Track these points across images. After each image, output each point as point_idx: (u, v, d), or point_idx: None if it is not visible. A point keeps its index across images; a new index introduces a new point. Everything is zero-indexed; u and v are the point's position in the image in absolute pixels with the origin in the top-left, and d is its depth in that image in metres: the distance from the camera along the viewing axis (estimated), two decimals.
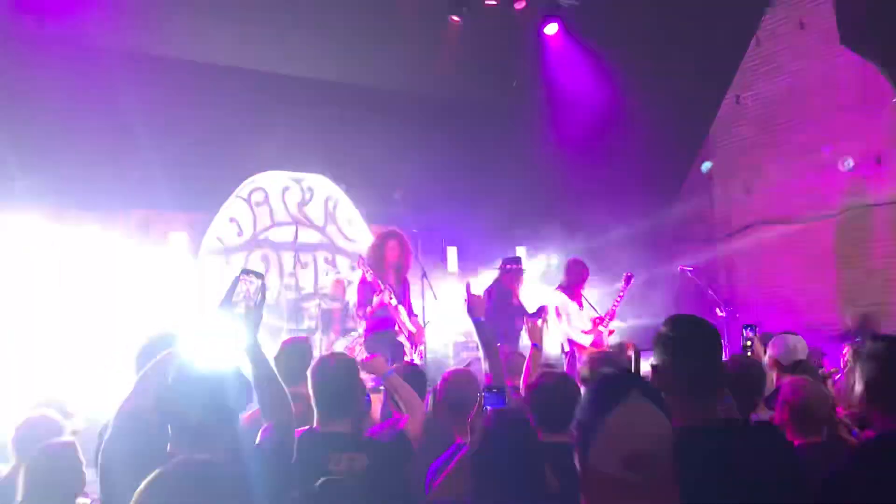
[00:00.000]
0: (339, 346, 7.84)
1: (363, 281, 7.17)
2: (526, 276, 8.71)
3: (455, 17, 9.22)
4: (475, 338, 3.89)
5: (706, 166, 10.56)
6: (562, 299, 8.09)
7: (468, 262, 11.38)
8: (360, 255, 7.40)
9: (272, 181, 10.48)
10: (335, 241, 10.85)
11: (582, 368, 4.31)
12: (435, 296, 8.24)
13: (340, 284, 9.10)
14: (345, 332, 8.36)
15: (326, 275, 10.17)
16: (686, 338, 2.30)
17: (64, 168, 8.52)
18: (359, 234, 10.98)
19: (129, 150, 8.83)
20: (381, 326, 7.08)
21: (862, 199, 10.16)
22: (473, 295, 3.80)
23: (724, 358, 2.36)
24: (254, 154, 9.80)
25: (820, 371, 5.38)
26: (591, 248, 10.49)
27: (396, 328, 7.10)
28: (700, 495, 2.01)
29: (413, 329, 7.18)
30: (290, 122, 9.52)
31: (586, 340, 7.94)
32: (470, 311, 3.82)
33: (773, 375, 4.37)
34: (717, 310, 9.35)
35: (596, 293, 8.78)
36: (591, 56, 10.01)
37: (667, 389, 2.28)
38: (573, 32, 10.07)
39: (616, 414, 1.63)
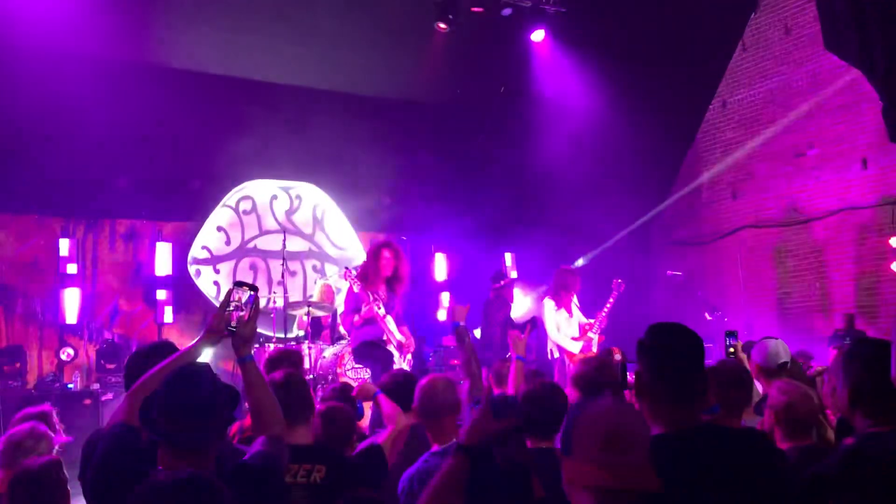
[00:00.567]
0: (329, 353, 7.81)
1: (350, 291, 7.16)
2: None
3: (442, 25, 9.22)
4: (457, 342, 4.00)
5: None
6: (551, 307, 8.09)
7: (456, 268, 11.38)
8: (347, 267, 7.39)
9: (260, 189, 10.46)
10: (324, 248, 10.83)
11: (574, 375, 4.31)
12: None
13: (329, 291, 9.08)
14: (335, 339, 8.33)
15: (315, 283, 10.15)
16: (666, 346, 2.31)
17: (49, 175, 8.49)
18: (347, 241, 10.96)
19: (116, 159, 8.80)
20: (368, 336, 7.06)
21: (848, 202, 10.21)
22: (456, 303, 3.92)
23: (706, 365, 2.36)
24: (241, 162, 9.79)
25: (808, 372, 5.40)
26: (579, 253, 10.51)
27: (385, 337, 7.08)
28: (681, 500, 2.02)
29: (402, 339, 7.16)
30: (278, 130, 9.52)
31: (575, 347, 7.94)
32: (450, 315, 3.98)
33: (760, 382, 4.38)
34: (706, 314, 9.38)
35: (585, 299, 8.79)
36: (578, 62, 10.03)
37: (649, 397, 2.28)
38: (560, 39, 10.09)
39: (592, 406, 1.79)
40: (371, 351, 7.05)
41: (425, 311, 10.78)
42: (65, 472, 3.31)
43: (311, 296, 9.52)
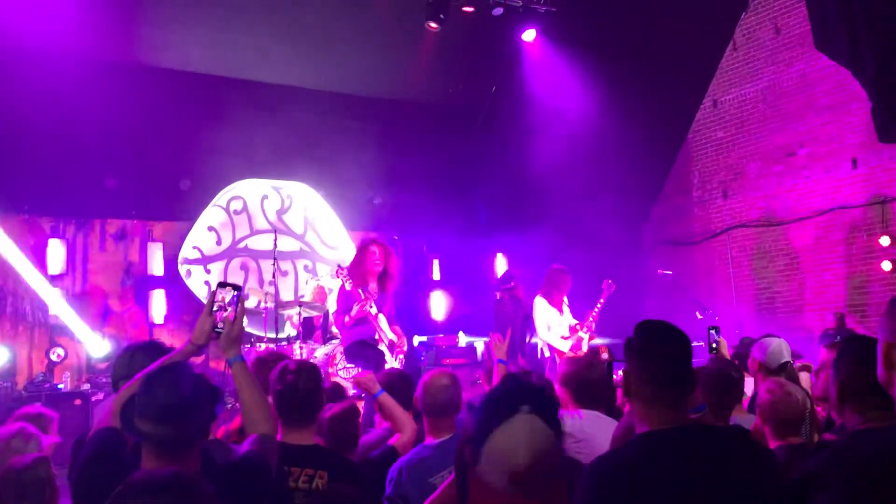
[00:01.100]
0: (320, 353, 7.80)
1: (342, 290, 7.15)
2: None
3: (433, 24, 9.22)
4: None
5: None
6: (542, 306, 8.10)
7: (448, 268, 11.39)
8: (339, 265, 7.37)
9: (251, 189, 10.44)
10: (315, 248, 10.82)
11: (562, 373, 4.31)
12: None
13: (322, 292, 9.07)
14: (326, 339, 8.32)
15: (307, 283, 10.14)
16: (652, 344, 2.32)
17: (39, 175, 8.46)
18: (339, 241, 10.95)
19: (106, 159, 8.78)
20: (360, 335, 7.05)
21: (838, 202, 10.25)
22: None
23: (692, 363, 2.36)
24: (232, 162, 9.77)
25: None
26: (571, 252, 10.51)
27: (377, 337, 7.07)
28: (667, 497, 2.02)
29: (394, 337, 7.16)
30: (269, 129, 9.50)
31: (565, 346, 7.96)
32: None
33: (757, 380, 4.39)
34: (696, 313, 9.39)
35: (576, 299, 8.80)
36: (569, 62, 10.04)
37: (634, 395, 2.29)
38: (551, 39, 10.10)
39: (502, 430, 1.65)
40: (363, 350, 7.03)
41: (418, 311, 10.78)
42: (52, 469, 3.29)
43: (302, 296, 9.52)
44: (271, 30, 8.98)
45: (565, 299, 8.28)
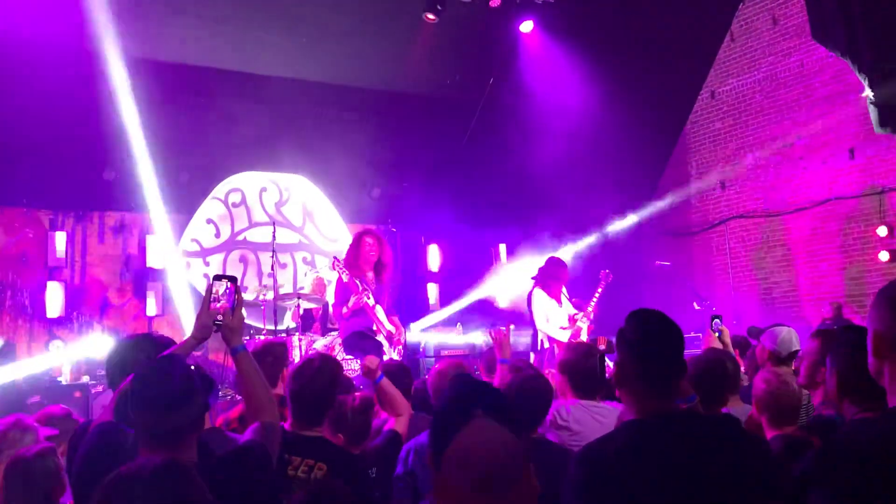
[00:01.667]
0: (319, 345, 7.81)
1: (340, 282, 7.16)
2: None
3: (430, 16, 9.21)
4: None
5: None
6: (540, 296, 8.11)
7: (448, 260, 11.41)
8: (335, 257, 7.38)
9: (249, 182, 10.44)
10: (314, 240, 10.82)
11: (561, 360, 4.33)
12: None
13: (321, 284, 9.08)
14: (325, 331, 8.33)
15: (305, 275, 10.15)
16: (641, 332, 2.33)
17: (37, 168, 8.45)
18: (337, 233, 10.95)
19: (104, 152, 8.78)
20: (358, 326, 7.07)
21: (836, 192, 10.27)
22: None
23: (682, 352, 2.37)
24: (230, 155, 9.76)
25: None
26: (569, 243, 10.54)
27: (374, 328, 7.09)
28: (654, 485, 2.04)
29: (392, 328, 7.17)
30: (267, 122, 9.50)
31: (564, 336, 7.96)
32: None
33: (765, 368, 4.41)
34: (694, 304, 9.41)
35: (575, 289, 8.81)
36: (566, 53, 10.04)
37: (624, 384, 2.31)
38: (549, 29, 10.09)
39: (461, 438, 1.63)
40: (361, 342, 7.05)
41: (416, 302, 10.80)
42: (59, 460, 3.30)
43: (302, 288, 9.52)
44: (268, 22, 8.96)
45: (564, 290, 8.29)
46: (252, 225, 10.34)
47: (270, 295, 8.43)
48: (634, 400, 2.29)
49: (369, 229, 7.61)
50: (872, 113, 7.32)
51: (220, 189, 10.20)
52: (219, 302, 2.63)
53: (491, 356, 5.17)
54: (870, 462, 1.70)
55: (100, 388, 7.84)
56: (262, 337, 8.16)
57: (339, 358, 7.38)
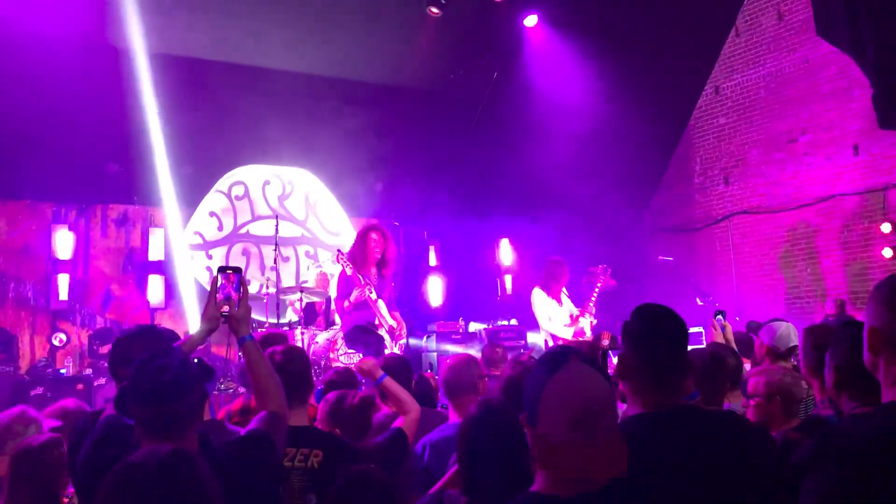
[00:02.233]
0: (322, 339, 7.82)
1: (343, 275, 7.17)
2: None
3: (434, 10, 9.20)
4: None
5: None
6: (541, 297, 8.12)
7: (449, 255, 11.40)
8: (339, 250, 7.39)
9: (252, 175, 10.44)
10: (316, 234, 10.83)
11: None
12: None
13: (324, 278, 9.09)
14: (328, 325, 8.35)
15: (308, 269, 10.15)
16: (646, 327, 2.34)
17: (40, 160, 8.46)
18: (340, 227, 10.96)
19: (108, 146, 8.78)
20: (360, 320, 7.08)
21: (840, 188, 10.25)
22: None
23: (687, 347, 2.38)
24: (234, 148, 9.77)
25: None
26: (570, 239, 10.53)
27: (377, 322, 7.10)
28: (658, 480, 2.05)
29: (393, 323, 7.18)
30: (270, 115, 9.49)
31: (568, 334, 7.97)
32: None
33: (764, 364, 4.40)
34: (697, 300, 9.41)
35: (578, 285, 8.82)
36: (570, 48, 10.02)
37: (628, 378, 2.31)
38: (553, 24, 10.07)
39: (556, 378, 1.70)
40: (363, 336, 7.04)
41: (418, 297, 10.80)
42: (64, 451, 3.31)
43: (305, 282, 9.54)
44: (272, 15, 8.95)
45: (564, 289, 8.30)
46: (255, 218, 10.35)
47: (273, 288, 8.44)
48: (639, 394, 2.29)
49: (376, 225, 7.61)
50: (877, 109, 7.29)
51: (224, 182, 10.21)
52: (228, 293, 2.64)
53: (492, 351, 5.18)
54: (863, 456, 1.71)
55: (102, 380, 7.87)
56: (264, 330, 8.17)
57: (341, 352, 7.43)
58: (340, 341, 7.47)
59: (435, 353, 9.48)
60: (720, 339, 4.65)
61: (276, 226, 8.68)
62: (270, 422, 2.54)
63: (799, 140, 10.73)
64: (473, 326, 10.17)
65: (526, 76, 10.50)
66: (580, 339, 7.77)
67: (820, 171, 10.48)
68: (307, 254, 10.69)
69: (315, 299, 8.61)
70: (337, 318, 7.90)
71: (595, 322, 8.23)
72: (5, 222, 8.91)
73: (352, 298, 6.96)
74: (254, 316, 8.84)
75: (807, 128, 10.62)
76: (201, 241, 9.98)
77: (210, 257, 9.97)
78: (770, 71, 11.06)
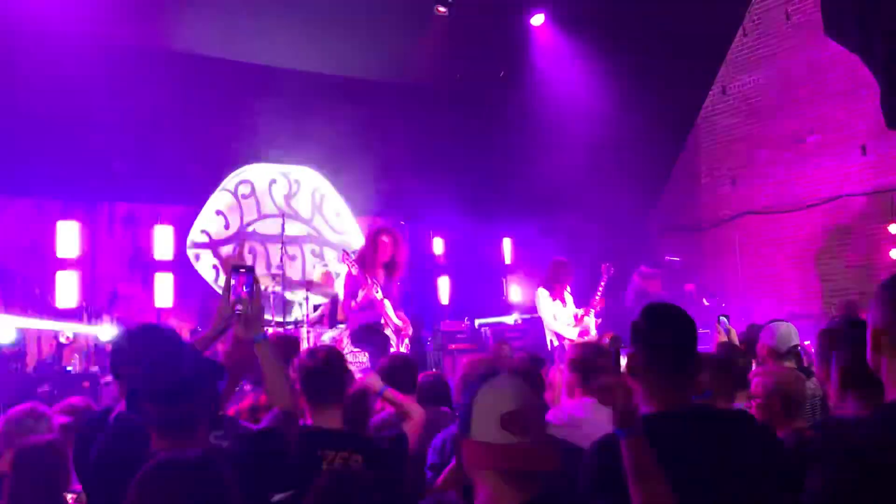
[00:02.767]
0: (327, 338, 7.84)
1: (349, 275, 7.18)
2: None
3: (441, 8, 9.19)
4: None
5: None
6: (545, 297, 8.12)
7: (454, 254, 11.40)
8: (345, 250, 7.40)
9: (259, 173, 10.45)
10: (322, 233, 10.84)
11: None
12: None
13: (330, 277, 9.11)
14: (333, 324, 8.36)
15: (314, 267, 10.16)
16: (656, 326, 2.34)
17: (47, 158, 8.48)
18: (346, 226, 10.97)
19: (115, 143, 8.79)
20: (366, 320, 7.09)
21: (847, 189, 10.23)
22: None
23: (697, 347, 2.39)
24: (240, 146, 9.78)
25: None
26: (577, 239, 10.53)
27: (382, 321, 7.10)
28: (670, 478, 2.05)
29: (399, 323, 7.19)
30: (277, 114, 9.50)
31: (573, 333, 7.98)
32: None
33: (768, 364, 4.40)
34: (703, 300, 9.40)
35: (583, 286, 8.82)
36: (577, 47, 10.01)
37: (641, 378, 2.31)
38: (560, 23, 10.07)
39: (486, 387, 1.82)
40: (368, 335, 7.07)
41: (424, 296, 10.80)
42: (66, 450, 3.32)
43: (311, 281, 9.55)
44: (278, 14, 8.95)
45: (568, 289, 8.31)
46: (261, 217, 10.36)
47: (279, 287, 8.45)
48: (649, 393, 2.30)
49: (387, 227, 7.59)
50: (885, 109, 7.27)
51: (230, 181, 10.22)
52: (241, 292, 2.65)
53: (500, 349, 5.19)
54: (865, 455, 1.71)
55: (108, 378, 7.88)
56: (271, 329, 8.18)
57: (346, 351, 7.44)
58: (346, 340, 7.49)
59: (440, 353, 9.49)
60: (724, 341, 4.66)
61: (283, 224, 8.69)
62: (282, 420, 2.55)
63: (806, 140, 10.70)
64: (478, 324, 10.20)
65: (533, 75, 10.49)
66: (585, 338, 7.78)
67: (827, 171, 10.45)
68: (313, 252, 10.70)
69: (321, 299, 8.63)
70: (343, 317, 7.91)
71: (600, 321, 8.24)
72: (12, 221, 8.93)
73: (358, 298, 6.96)
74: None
75: (814, 128, 10.59)
76: (208, 240, 9.99)
77: (217, 256, 9.98)
78: (777, 71, 11.03)
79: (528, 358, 4.26)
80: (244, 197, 10.30)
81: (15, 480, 3.21)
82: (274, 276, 8.64)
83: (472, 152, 10.94)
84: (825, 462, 1.75)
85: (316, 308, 8.73)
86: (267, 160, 10.42)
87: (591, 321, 8.00)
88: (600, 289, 8.24)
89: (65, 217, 9.14)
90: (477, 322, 10.43)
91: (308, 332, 7.75)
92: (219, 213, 10.12)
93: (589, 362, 3.80)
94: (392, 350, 6.92)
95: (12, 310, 8.64)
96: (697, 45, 11.22)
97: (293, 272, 10.14)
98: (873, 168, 9.96)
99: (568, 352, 4.15)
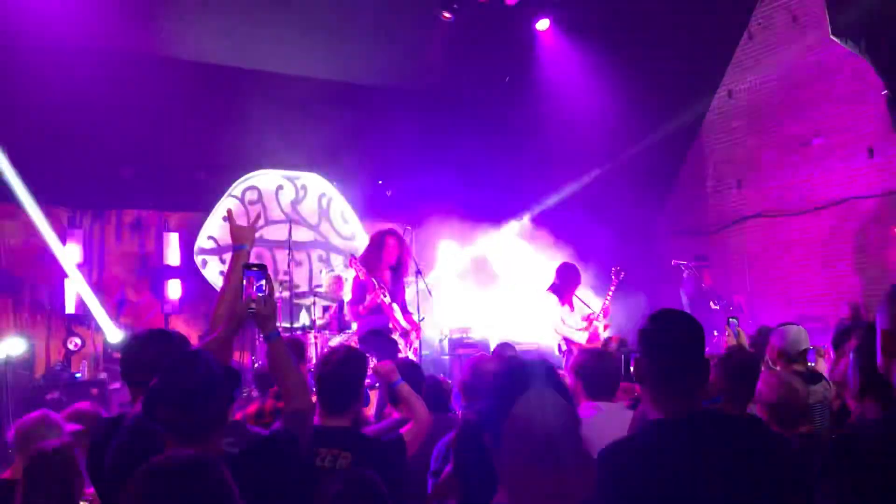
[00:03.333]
0: (334, 343, 7.84)
1: (356, 279, 7.18)
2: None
3: (446, 14, 9.21)
4: None
5: None
6: (553, 302, 8.10)
7: (461, 258, 11.39)
8: (352, 255, 7.41)
9: (266, 180, 10.48)
10: (329, 238, 10.86)
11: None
12: (430, 292, 8.30)
13: (339, 282, 9.12)
14: (341, 329, 8.37)
15: (321, 272, 10.18)
16: (664, 332, 2.33)
17: (56, 166, 8.52)
18: (352, 230, 10.99)
19: (123, 150, 8.83)
20: (374, 324, 7.09)
21: (854, 192, 10.20)
22: None
23: (704, 352, 2.38)
24: (247, 153, 9.80)
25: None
26: (583, 242, 10.51)
27: (390, 326, 7.11)
28: (679, 484, 2.04)
29: (407, 326, 7.19)
30: (283, 120, 9.52)
31: (582, 337, 7.96)
32: None
33: (778, 367, 4.40)
34: (711, 303, 9.38)
35: (588, 288, 8.81)
36: (583, 51, 10.01)
37: (649, 384, 2.31)
38: (565, 28, 10.07)
39: (515, 413, 1.70)
40: (376, 339, 7.07)
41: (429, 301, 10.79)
42: (77, 455, 3.33)
43: (319, 286, 9.56)
44: (285, 21, 8.98)
45: (577, 293, 8.29)
46: (268, 223, 10.38)
47: (286, 292, 8.46)
48: (658, 400, 2.29)
49: (392, 230, 7.60)
50: (892, 112, 7.27)
51: (237, 187, 10.25)
52: (255, 291, 2.66)
53: (504, 352, 5.17)
54: (878, 459, 1.71)
55: (117, 385, 7.90)
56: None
57: None
58: (353, 345, 7.49)
59: (448, 357, 9.49)
60: (734, 344, 4.65)
61: (289, 230, 8.71)
62: (295, 421, 2.55)
63: (812, 143, 10.67)
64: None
65: (538, 80, 10.49)
66: (594, 342, 7.76)
67: (834, 174, 10.42)
68: (320, 258, 10.72)
69: (327, 303, 8.64)
70: (351, 321, 7.92)
71: (609, 324, 8.23)
72: (21, 227, 8.96)
73: (366, 303, 6.96)
74: None
75: (820, 130, 10.56)
76: (215, 246, 10.02)
77: (224, 262, 10.00)
78: (783, 73, 11.01)
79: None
80: (251, 203, 10.33)
81: (28, 487, 3.22)
82: (281, 282, 8.67)
83: (479, 156, 10.94)
84: (841, 466, 1.75)
85: (324, 312, 8.75)
86: (273, 166, 10.44)
87: (600, 325, 7.99)
88: (610, 292, 8.22)
89: (74, 224, 9.18)
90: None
91: (315, 336, 7.76)
92: (226, 219, 10.12)
93: (591, 368, 3.80)
94: (400, 354, 6.92)
95: (21, 316, 8.69)
96: (703, 48, 11.21)
97: (300, 278, 10.16)
98: (880, 170, 9.93)
99: (572, 358, 4.15)
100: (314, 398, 3.19)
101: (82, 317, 9.03)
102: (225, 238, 10.07)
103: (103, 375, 8.51)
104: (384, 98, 10.26)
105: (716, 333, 8.24)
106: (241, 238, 3.01)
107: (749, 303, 10.75)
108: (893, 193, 9.76)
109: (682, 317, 2.38)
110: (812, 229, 10.68)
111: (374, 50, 9.64)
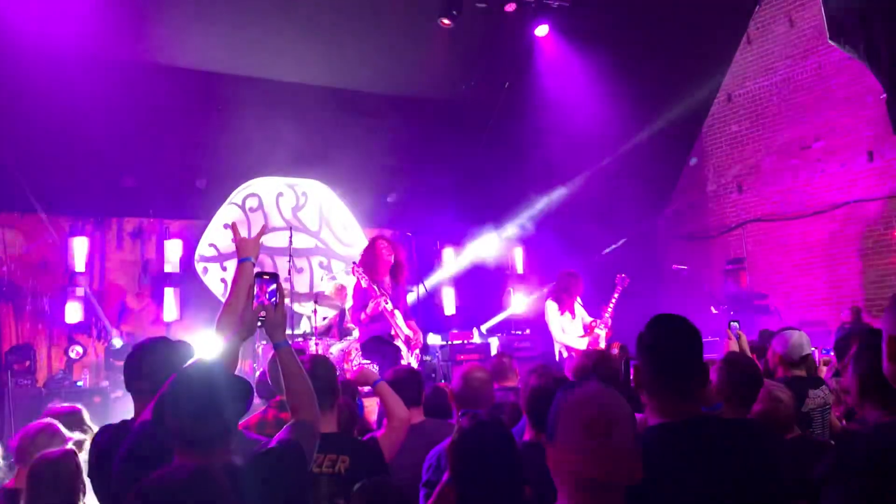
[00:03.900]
0: (335, 350, 7.84)
1: (358, 287, 7.18)
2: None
3: (445, 21, 9.22)
4: None
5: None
6: (553, 309, 8.10)
7: (461, 264, 11.40)
8: (354, 262, 7.42)
9: (266, 187, 10.49)
10: (330, 245, 10.86)
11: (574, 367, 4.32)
12: (430, 298, 8.32)
13: (343, 290, 9.12)
14: (343, 336, 8.37)
15: (322, 280, 10.18)
16: (665, 339, 2.34)
17: (56, 174, 8.53)
18: (353, 238, 10.99)
19: (123, 158, 8.84)
20: (376, 331, 7.10)
21: (854, 195, 10.20)
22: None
23: (703, 357, 2.38)
24: (247, 160, 9.81)
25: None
26: (585, 248, 10.53)
27: (393, 332, 7.11)
28: (677, 489, 2.05)
29: (409, 333, 7.19)
30: (284, 127, 9.52)
31: (582, 344, 7.95)
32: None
33: (778, 372, 4.39)
34: (711, 308, 9.38)
35: (590, 295, 8.80)
36: (582, 57, 10.03)
37: (648, 389, 2.31)
38: (564, 33, 10.09)
39: (575, 391, 1.78)
40: (379, 346, 7.07)
41: (431, 307, 10.80)
42: (81, 463, 3.34)
43: (321, 293, 9.57)
44: (285, 27, 8.99)
45: (578, 300, 8.28)
46: (269, 230, 10.38)
47: (287, 300, 8.46)
48: (657, 404, 2.30)
49: (381, 235, 7.68)
50: (891, 115, 7.27)
51: (238, 194, 10.26)
52: (265, 300, 2.66)
53: (500, 362, 5.17)
54: (883, 466, 1.70)
55: (119, 393, 7.90)
56: None
57: (356, 362, 7.44)
58: (355, 352, 7.48)
59: (449, 364, 9.48)
60: (735, 349, 4.63)
61: (290, 237, 8.71)
62: (301, 431, 2.53)
63: (812, 147, 10.69)
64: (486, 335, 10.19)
65: (538, 86, 10.50)
66: (594, 349, 7.75)
67: (834, 177, 10.44)
68: (321, 265, 10.72)
69: (329, 311, 8.64)
70: (352, 328, 7.92)
71: (611, 332, 8.22)
72: (22, 236, 8.98)
73: (368, 310, 6.96)
74: None
75: (820, 134, 10.58)
76: (216, 253, 10.03)
77: (225, 269, 10.01)
78: (782, 78, 11.04)
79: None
80: (252, 210, 10.34)
81: (31, 495, 3.23)
82: None
83: (479, 163, 10.95)
84: (845, 470, 1.75)
85: (324, 319, 8.75)
86: (274, 173, 10.45)
87: (601, 332, 7.97)
88: (613, 299, 8.21)
89: (75, 232, 9.19)
90: (484, 328, 10.44)
91: (316, 343, 7.76)
92: (227, 226, 10.14)
93: (591, 372, 3.80)
94: (403, 361, 6.92)
95: (23, 324, 8.69)
96: (702, 53, 11.23)
97: (301, 285, 10.16)
98: (880, 174, 9.95)
99: (569, 362, 4.15)
100: None
101: (84, 325, 9.03)
102: (226, 245, 10.08)
103: (105, 383, 8.51)
104: (384, 104, 10.26)
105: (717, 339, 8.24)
106: (245, 251, 3.02)
107: (750, 307, 10.74)
108: (894, 197, 9.77)
109: (681, 321, 2.38)
110: (813, 233, 10.69)
111: (373, 57, 9.66)
